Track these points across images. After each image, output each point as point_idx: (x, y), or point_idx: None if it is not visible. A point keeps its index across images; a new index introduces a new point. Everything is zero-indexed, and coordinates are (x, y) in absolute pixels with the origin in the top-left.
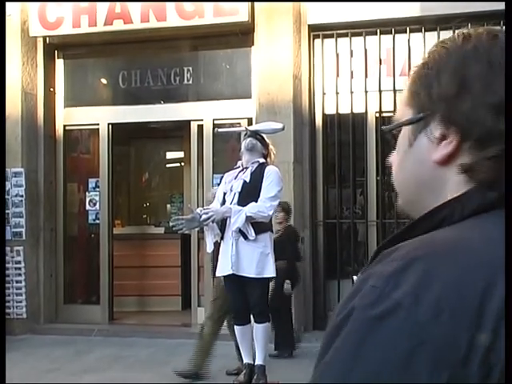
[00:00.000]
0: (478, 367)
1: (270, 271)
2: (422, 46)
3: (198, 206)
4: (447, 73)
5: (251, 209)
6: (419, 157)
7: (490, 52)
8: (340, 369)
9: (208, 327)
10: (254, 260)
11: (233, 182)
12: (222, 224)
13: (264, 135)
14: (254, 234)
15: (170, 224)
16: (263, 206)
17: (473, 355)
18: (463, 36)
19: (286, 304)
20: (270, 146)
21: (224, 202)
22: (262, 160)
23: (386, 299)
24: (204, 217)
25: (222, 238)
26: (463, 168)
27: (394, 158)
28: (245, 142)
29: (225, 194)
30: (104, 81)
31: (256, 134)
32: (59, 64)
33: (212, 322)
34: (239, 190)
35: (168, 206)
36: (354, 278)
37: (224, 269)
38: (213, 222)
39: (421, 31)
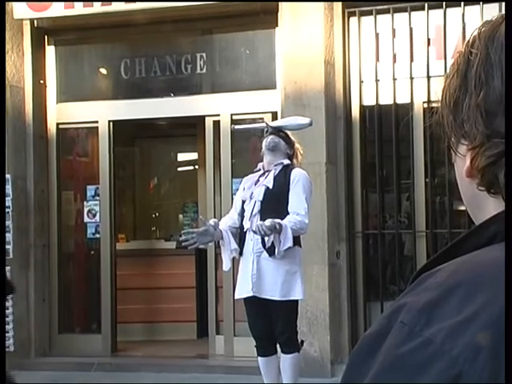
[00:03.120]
0: None
1: (298, 292)
2: (479, 22)
3: (214, 216)
4: (455, 77)
5: (293, 225)
6: (459, 173)
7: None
8: None
9: None
10: (279, 279)
11: (253, 188)
12: (241, 238)
13: (289, 132)
14: (282, 252)
15: (181, 238)
16: (304, 223)
17: None
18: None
19: None
20: (296, 145)
21: (243, 211)
22: (286, 161)
23: (416, 337)
24: (266, 230)
25: (240, 254)
26: (478, 185)
27: None
28: (266, 141)
29: (243, 202)
30: (103, 71)
31: (279, 131)
32: (50, 52)
33: None
34: (261, 198)
35: (180, 216)
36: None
37: (243, 290)
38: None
39: (478, 3)
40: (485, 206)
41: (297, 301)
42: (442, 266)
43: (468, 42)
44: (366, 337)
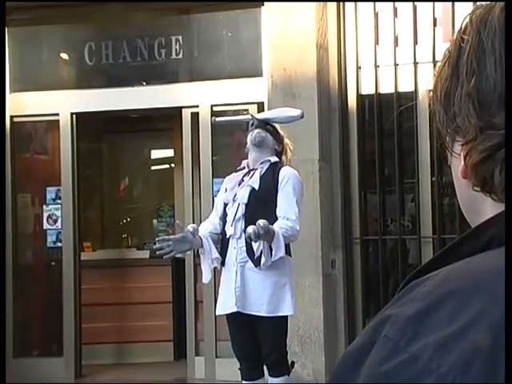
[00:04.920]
0: None
1: (287, 307)
2: None
3: (193, 221)
4: (446, 66)
5: (284, 232)
6: (455, 174)
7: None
8: None
9: None
10: (266, 293)
11: (236, 188)
12: (223, 245)
13: (277, 125)
14: (269, 262)
15: (155, 246)
16: (295, 230)
17: None
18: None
19: None
20: (286, 140)
21: (225, 215)
22: (274, 159)
23: (401, 353)
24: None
25: (222, 264)
26: (473, 185)
27: None
28: (251, 135)
29: (226, 204)
30: (64, 56)
31: (266, 124)
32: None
33: None
34: (245, 200)
35: (154, 221)
36: None
37: (226, 305)
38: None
39: None
40: (483, 210)
41: (286, 317)
42: (432, 274)
43: (460, 28)
44: (348, 352)
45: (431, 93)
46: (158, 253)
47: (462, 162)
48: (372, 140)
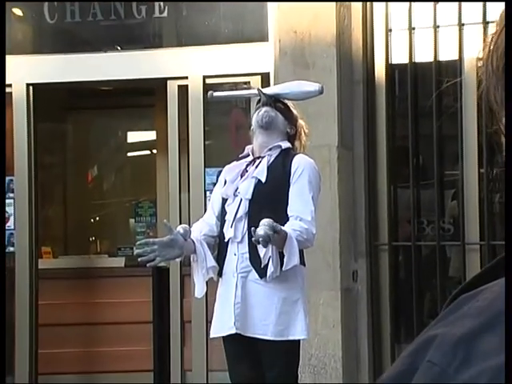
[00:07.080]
0: None
1: (299, 330)
2: None
3: (180, 221)
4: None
5: (298, 235)
6: None
7: None
8: None
9: None
10: (274, 311)
11: (238, 181)
12: (221, 251)
13: (289, 103)
14: (278, 272)
15: (136, 251)
16: (311, 233)
17: None
18: None
19: None
20: (300, 121)
21: (224, 213)
22: (285, 145)
23: (450, 382)
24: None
25: (219, 275)
26: None
27: None
28: (257, 115)
29: (225, 200)
30: (18, 12)
31: (276, 102)
32: None
33: None
34: (249, 195)
35: (131, 221)
36: None
37: (223, 325)
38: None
39: None
40: None
41: (298, 342)
42: (486, 286)
43: None
44: (383, 381)
45: (482, 63)
46: (140, 260)
47: None
48: (404, 121)
